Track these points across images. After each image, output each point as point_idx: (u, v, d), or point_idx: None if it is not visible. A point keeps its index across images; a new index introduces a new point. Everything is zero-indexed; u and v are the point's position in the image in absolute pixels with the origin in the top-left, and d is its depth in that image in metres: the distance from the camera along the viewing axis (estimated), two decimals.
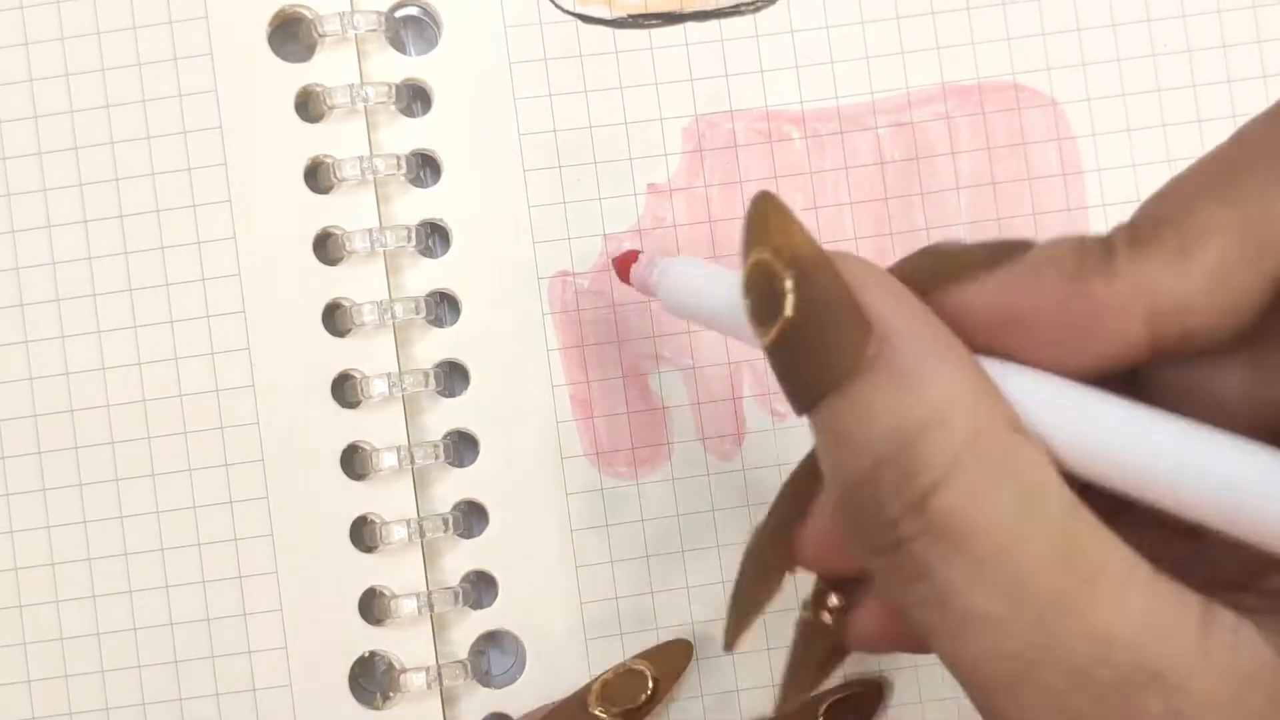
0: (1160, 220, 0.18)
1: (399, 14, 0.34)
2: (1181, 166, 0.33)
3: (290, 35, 0.33)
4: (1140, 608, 0.17)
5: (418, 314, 0.32)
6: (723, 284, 0.25)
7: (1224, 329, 0.18)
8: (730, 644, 0.24)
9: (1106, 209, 0.33)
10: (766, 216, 0.20)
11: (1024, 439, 0.18)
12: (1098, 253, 0.18)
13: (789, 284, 0.19)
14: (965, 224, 0.33)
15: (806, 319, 0.19)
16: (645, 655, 0.32)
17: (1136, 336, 0.18)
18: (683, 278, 0.26)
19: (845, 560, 0.22)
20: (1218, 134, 0.33)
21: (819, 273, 0.19)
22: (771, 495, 0.32)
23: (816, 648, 0.23)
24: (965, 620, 0.17)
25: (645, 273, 0.27)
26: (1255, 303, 0.17)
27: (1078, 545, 0.17)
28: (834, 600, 0.23)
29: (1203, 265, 0.17)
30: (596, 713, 0.31)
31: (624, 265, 0.29)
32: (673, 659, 0.32)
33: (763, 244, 0.20)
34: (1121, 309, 0.18)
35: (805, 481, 0.22)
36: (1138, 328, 0.18)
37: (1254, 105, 0.33)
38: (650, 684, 0.31)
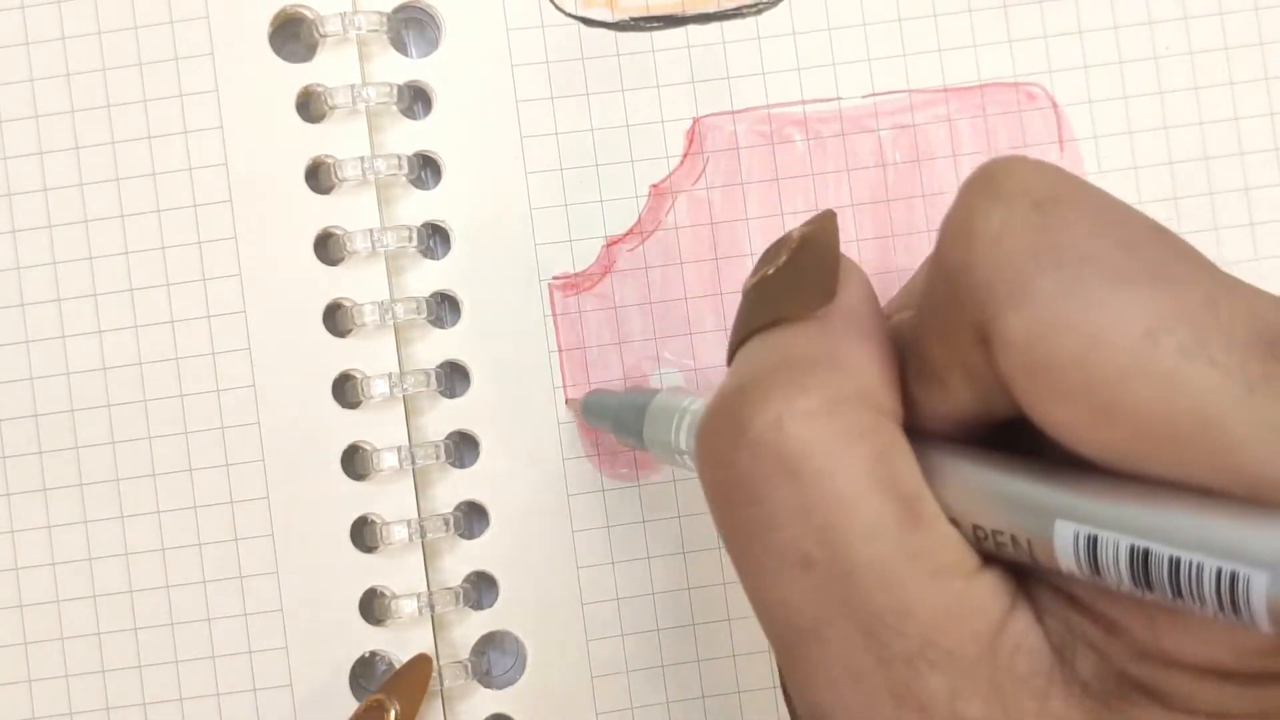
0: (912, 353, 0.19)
1: (401, 15, 0.34)
2: (1182, 169, 0.33)
3: (292, 35, 0.33)
4: (954, 593, 0.17)
5: (419, 314, 0.32)
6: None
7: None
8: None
9: None
10: (823, 217, 0.22)
11: (900, 429, 0.18)
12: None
13: (794, 240, 0.21)
14: None
15: (792, 268, 0.21)
16: (385, 686, 0.31)
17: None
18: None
19: None
20: (1220, 136, 0.33)
21: (823, 238, 0.21)
22: None
23: None
24: (783, 559, 0.18)
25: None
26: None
27: (917, 522, 0.18)
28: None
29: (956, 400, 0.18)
30: None
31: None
32: (414, 681, 0.31)
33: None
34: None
35: None
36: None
37: (1256, 107, 0.33)
38: (392, 715, 0.30)
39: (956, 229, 0.17)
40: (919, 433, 0.19)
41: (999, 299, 0.16)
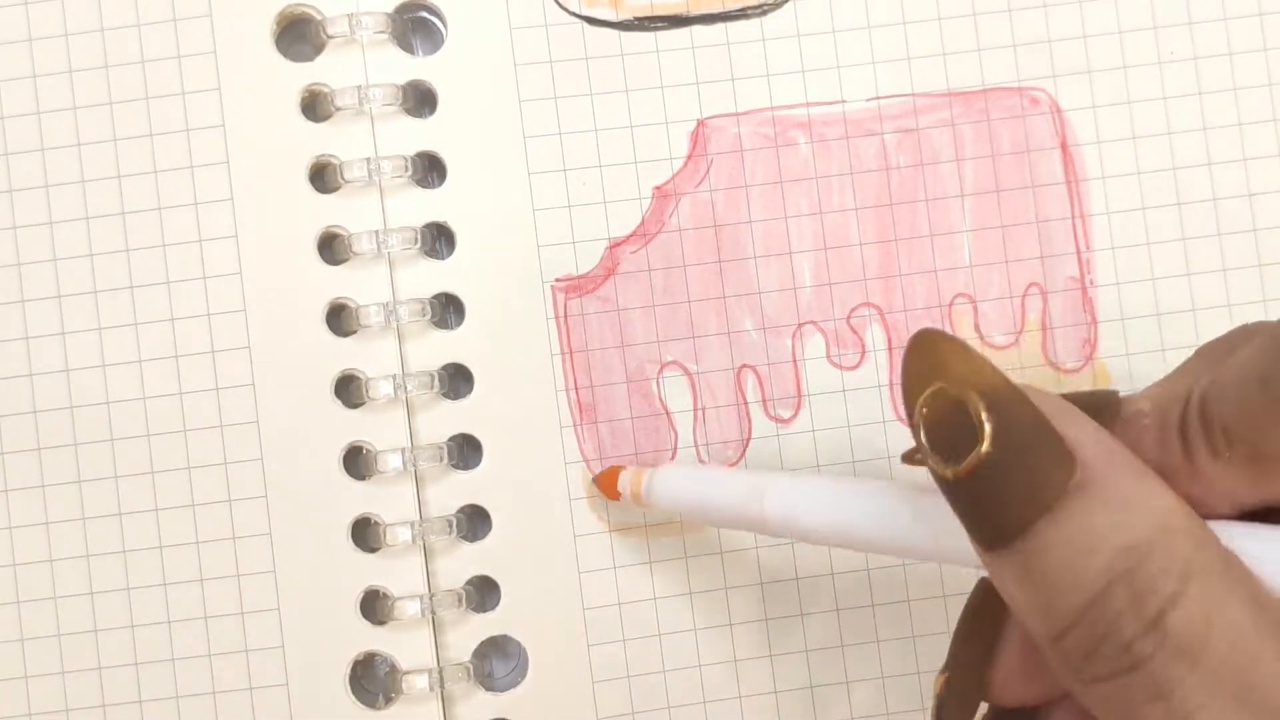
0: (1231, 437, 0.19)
1: (406, 15, 0.33)
2: (1186, 174, 0.33)
3: (299, 36, 0.33)
4: None
5: (423, 316, 0.32)
6: (711, 482, 0.28)
7: None
8: None
9: (1110, 216, 0.33)
10: (939, 348, 0.20)
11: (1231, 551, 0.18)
12: (1179, 452, 0.19)
13: (984, 415, 0.19)
14: (969, 230, 0.33)
15: (1006, 449, 0.19)
16: None
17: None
18: (670, 487, 0.29)
19: (1039, 692, 0.22)
20: (1224, 142, 0.33)
21: (1016, 404, 0.19)
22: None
23: None
24: None
25: (634, 488, 0.30)
26: None
27: None
28: None
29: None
30: None
31: (608, 482, 0.31)
32: None
33: (942, 375, 0.20)
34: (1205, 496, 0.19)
35: (982, 622, 0.22)
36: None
37: (1260, 113, 0.33)
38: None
39: None
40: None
41: None
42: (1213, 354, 0.21)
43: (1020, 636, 0.22)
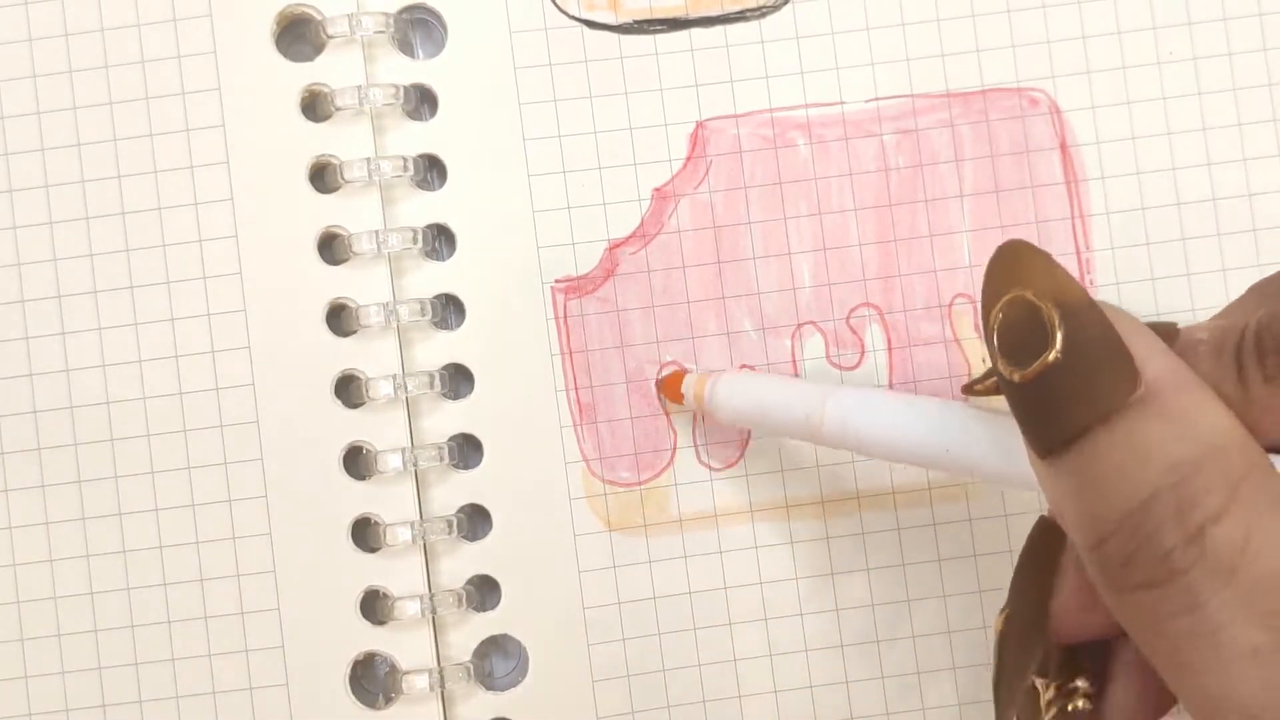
0: None
1: (406, 16, 0.34)
2: (1186, 174, 0.33)
3: (299, 36, 0.33)
4: None
5: (423, 316, 0.32)
6: (774, 388, 0.29)
7: None
8: None
9: (1110, 217, 0.33)
10: (1021, 258, 0.21)
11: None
12: (1233, 378, 0.20)
13: (1057, 322, 0.19)
14: (968, 231, 0.33)
15: (1074, 357, 0.19)
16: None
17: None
18: (733, 392, 0.30)
19: (1098, 624, 0.22)
20: (1223, 142, 0.33)
21: (1088, 314, 0.20)
22: (772, 498, 0.33)
23: None
24: (1236, 653, 0.18)
25: (698, 390, 0.31)
26: None
27: None
28: (1082, 684, 0.23)
29: None
30: None
31: (672, 385, 0.32)
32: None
33: (1022, 284, 0.20)
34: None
35: (1040, 559, 0.23)
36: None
37: (1259, 113, 0.33)
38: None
39: None
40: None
41: None
42: (1267, 289, 0.22)
43: (1076, 567, 0.22)
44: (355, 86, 0.32)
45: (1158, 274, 0.33)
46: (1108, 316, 0.20)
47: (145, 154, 0.33)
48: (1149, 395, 0.19)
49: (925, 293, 0.33)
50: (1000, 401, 0.22)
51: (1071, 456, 0.19)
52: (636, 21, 0.33)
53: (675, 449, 0.33)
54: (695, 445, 0.33)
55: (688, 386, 0.31)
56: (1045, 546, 0.23)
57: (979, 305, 0.21)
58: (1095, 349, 0.19)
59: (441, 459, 0.32)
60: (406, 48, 0.34)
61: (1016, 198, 0.33)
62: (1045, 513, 0.23)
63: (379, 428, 0.32)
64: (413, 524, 0.32)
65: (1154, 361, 0.19)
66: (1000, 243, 0.21)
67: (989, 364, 0.23)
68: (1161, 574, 0.18)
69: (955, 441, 0.24)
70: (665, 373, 0.33)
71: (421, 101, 0.34)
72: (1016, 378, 0.20)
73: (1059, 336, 0.19)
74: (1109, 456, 0.19)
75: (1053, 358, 0.19)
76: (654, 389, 0.33)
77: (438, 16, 0.33)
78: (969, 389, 0.25)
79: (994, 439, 0.24)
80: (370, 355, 0.33)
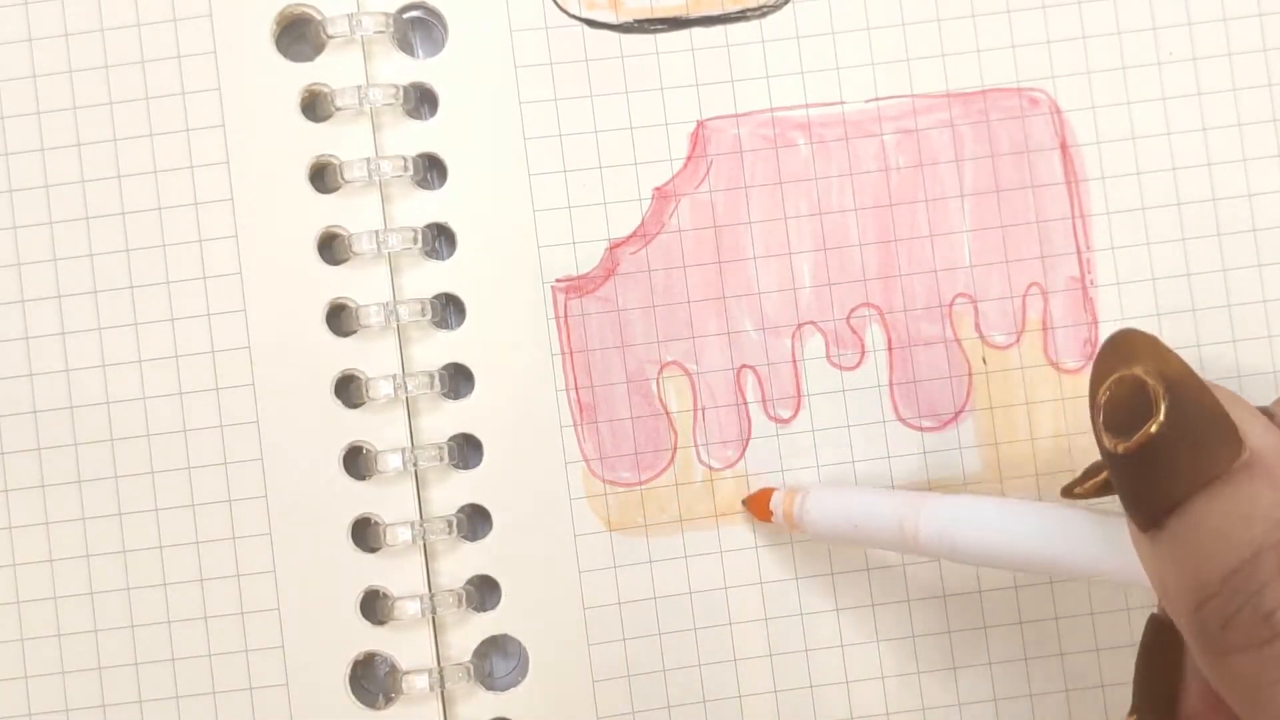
0: None
1: (407, 15, 0.34)
2: (1186, 175, 0.33)
3: (299, 36, 0.33)
4: None
5: (423, 316, 0.32)
6: (864, 500, 0.30)
7: None
8: None
9: (1110, 217, 0.33)
10: (1130, 341, 0.21)
11: None
12: None
13: (1162, 393, 0.20)
14: (969, 231, 0.33)
15: (1178, 424, 0.20)
16: None
17: None
18: (824, 507, 0.30)
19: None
20: (1223, 142, 0.33)
21: (1190, 383, 0.20)
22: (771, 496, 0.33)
23: None
24: None
25: (788, 507, 0.31)
26: None
27: None
28: None
29: None
30: None
31: (759, 503, 0.32)
32: None
33: (1129, 363, 0.21)
34: None
35: (1158, 658, 0.23)
36: None
37: (1259, 113, 0.33)
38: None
39: None
40: None
41: None
42: None
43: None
44: (355, 86, 0.32)
45: (1158, 274, 0.33)
46: (1210, 389, 0.20)
47: (145, 154, 0.33)
48: (1253, 461, 0.19)
49: (925, 293, 0.33)
50: (1101, 503, 0.23)
51: (1173, 523, 0.20)
52: (637, 21, 0.33)
53: (675, 449, 0.33)
54: (695, 445, 0.33)
55: (776, 504, 0.31)
56: (1160, 646, 0.23)
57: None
58: (1199, 416, 0.20)
59: (441, 459, 0.32)
60: (406, 47, 0.34)
61: (1017, 198, 0.33)
62: (1155, 609, 0.23)
63: (379, 428, 0.32)
64: (413, 524, 0.32)
65: (1256, 430, 0.20)
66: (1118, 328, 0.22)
67: (1077, 471, 0.24)
68: (1264, 634, 0.18)
69: (1057, 545, 0.25)
70: (751, 490, 0.33)
71: (421, 101, 0.34)
72: (1120, 449, 0.20)
73: (1163, 406, 0.20)
74: (1212, 520, 0.19)
75: (1155, 428, 0.20)
76: (742, 506, 0.33)
77: (438, 16, 0.33)
78: (1068, 491, 0.25)
79: (1097, 538, 0.24)
80: (370, 355, 0.33)
